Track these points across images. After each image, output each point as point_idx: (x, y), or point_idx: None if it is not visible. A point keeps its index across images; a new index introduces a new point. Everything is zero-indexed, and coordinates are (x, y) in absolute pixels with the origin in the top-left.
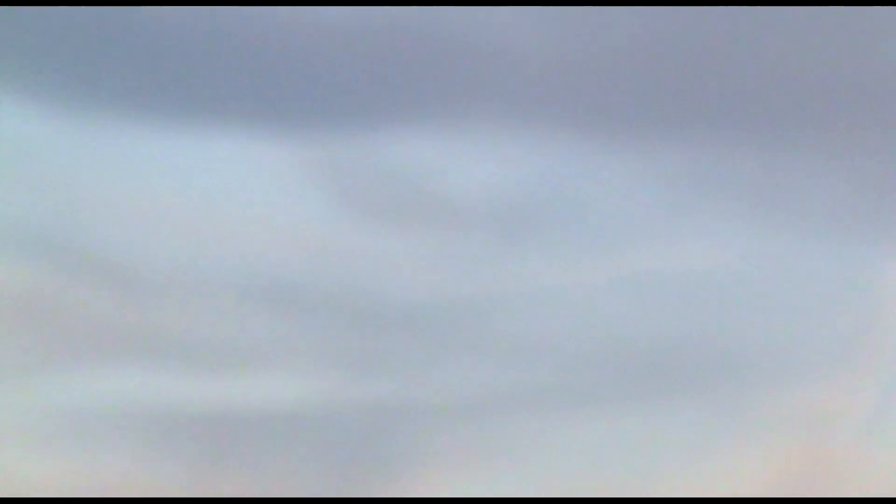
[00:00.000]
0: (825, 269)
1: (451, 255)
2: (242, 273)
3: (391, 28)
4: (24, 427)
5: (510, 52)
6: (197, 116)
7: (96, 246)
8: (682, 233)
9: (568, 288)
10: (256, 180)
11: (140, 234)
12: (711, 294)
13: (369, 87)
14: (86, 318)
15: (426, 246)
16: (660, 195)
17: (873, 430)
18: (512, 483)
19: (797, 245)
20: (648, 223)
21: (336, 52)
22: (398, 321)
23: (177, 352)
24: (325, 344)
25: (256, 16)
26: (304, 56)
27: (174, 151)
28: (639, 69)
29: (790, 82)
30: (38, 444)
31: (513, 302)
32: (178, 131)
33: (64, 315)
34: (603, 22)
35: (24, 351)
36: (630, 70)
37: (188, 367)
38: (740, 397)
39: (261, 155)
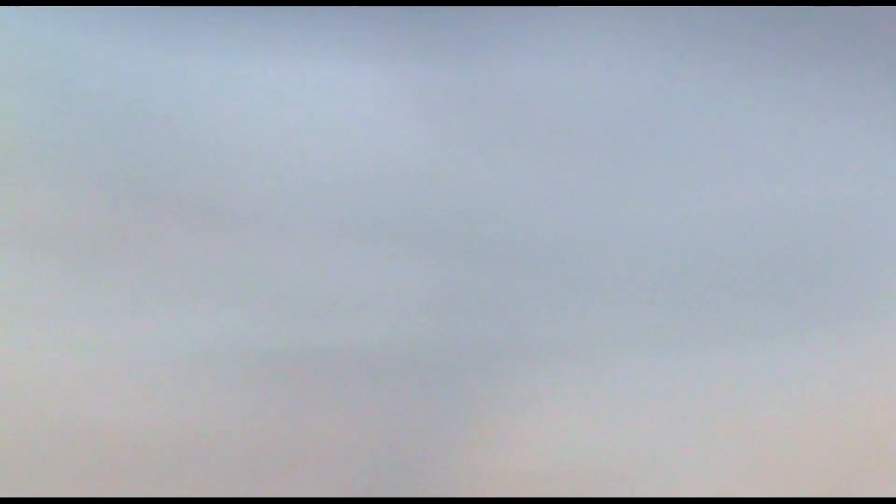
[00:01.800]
0: None
1: (561, 187)
2: (340, 208)
3: None
4: (113, 372)
5: None
6: (292, 40)
7: (186, 181)
8: (804, 161)
9: (684, 220)
10: (355, 109)
11: (231, 167)
12: (834, 226)
13: (472, 11)
14: (175, 258)
15: (535, 178)
16: (780, 121)
17: None
18: (620, 427)
19: None
20: (768, 150)
21: None
22: (504, 257)
23: (271, 291)
24: (428, 282)
25: None
26: None
27: (267, 77)
28: None
29: None
30: (128, 389)
31: (626, 236)
32: (271, 55)
33: (152, 254)
34: None
35: (111, 293)
36: None
37: (283, 307)
38: (873, 334)
39: (361, 81)
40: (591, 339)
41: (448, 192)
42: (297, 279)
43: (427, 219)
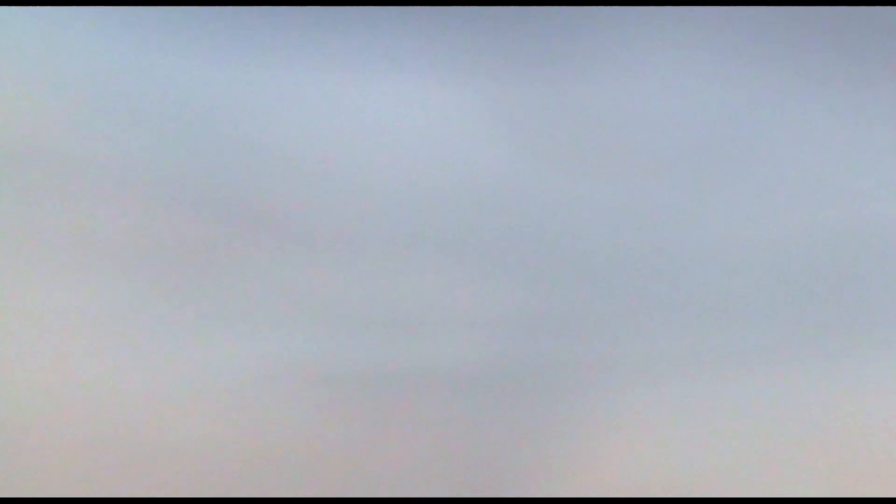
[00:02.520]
0: None
1: (640, 204)
2: (417, 226)
3: None
4: (186, 392)
5: None
6: (370, 56)
7: (263, 199)
8: (892, 179)
9: (766, 239)
10: (433, 125)
11: (308, 184)
12: None
13: (551, 25)
14: (253, 276)
15: (613, 194)
16: (868, 139)
17: None
18: (703, 448)
19: None
20: (855, 169)
21: None
22: (583, 275)
23: (346, 311)
24: (506, 300)
25: None
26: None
27: (346, 95)
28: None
29: None
30: (200, 409)
31: (706, 254)
32: (350, 73)
33: (230, 273)
34: None
35: (188, 311)
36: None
37: (357, 326)
38: None
39: (439, 97)
40: (676, 355)
41: (528, 208)
42: (374, 298)
43: (507, 236)
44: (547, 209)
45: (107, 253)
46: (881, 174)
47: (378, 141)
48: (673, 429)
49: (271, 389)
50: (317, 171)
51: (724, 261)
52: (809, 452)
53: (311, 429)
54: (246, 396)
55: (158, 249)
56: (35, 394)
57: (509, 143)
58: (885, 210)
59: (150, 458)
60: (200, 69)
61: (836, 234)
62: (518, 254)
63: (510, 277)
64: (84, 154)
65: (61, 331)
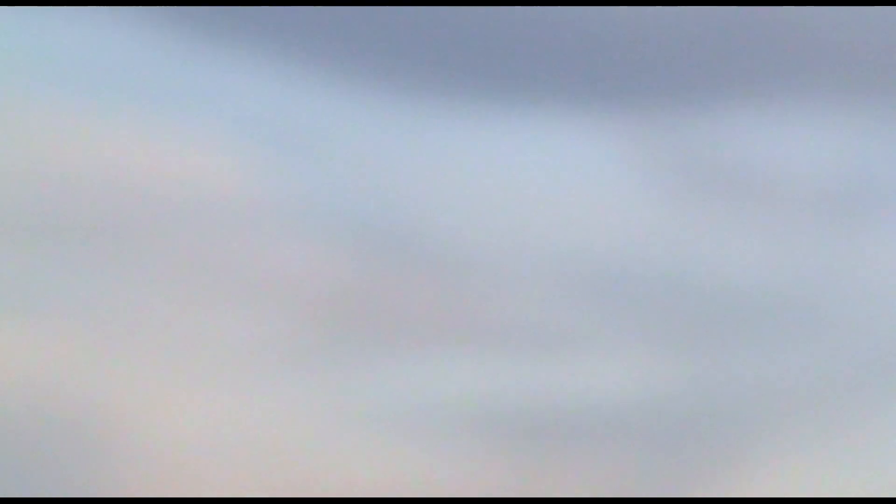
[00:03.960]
0: None
1: (778, 237)
2: (563, 258)
3: (708, 9)
4: (345, 424)
5: (841, 28)
6: (513, 102)
7: (416, 232)
8: None
9: None
10: (575, 164)
11: (461, 219)
12: None
13: (686, 67)
14: (405, 307)
15: (751, 229)
16: None
17: None
18: (856, 476)
19: None
20: None
21: (653, 32)
22: (723, 307)
23: (497, 341)
24: (650, 330)
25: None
26: (621, 40)
27: (494, 136)
28: None
29: None
30: (359, 441)
31: (845, 287)
32: (497, 116)
33: (383, 304)
34: None
35: (344, 343)
36: None
37: (508, 356)
38: None
39: (584, 139)
40: (814, 386)
41: (666, 242)
42: (525, 328)
43: (647, 268)
44: (686, 243)
45: (280, 291)
46: None
47: (523, 181)
48: (817, 458)
49: (426, 423)
50: (469, 209)
51: (858, 293)
52: None
53: (464, 462)
54: (413, 429)
55: (330, 287)
56: (213, 425)
57: (647, 180)
58: None
59: (323, 492)
60: (370, 120)
61: None
62: (659, 288)
63: (651, 310)
64: (263, 197)
65: (244, 361)
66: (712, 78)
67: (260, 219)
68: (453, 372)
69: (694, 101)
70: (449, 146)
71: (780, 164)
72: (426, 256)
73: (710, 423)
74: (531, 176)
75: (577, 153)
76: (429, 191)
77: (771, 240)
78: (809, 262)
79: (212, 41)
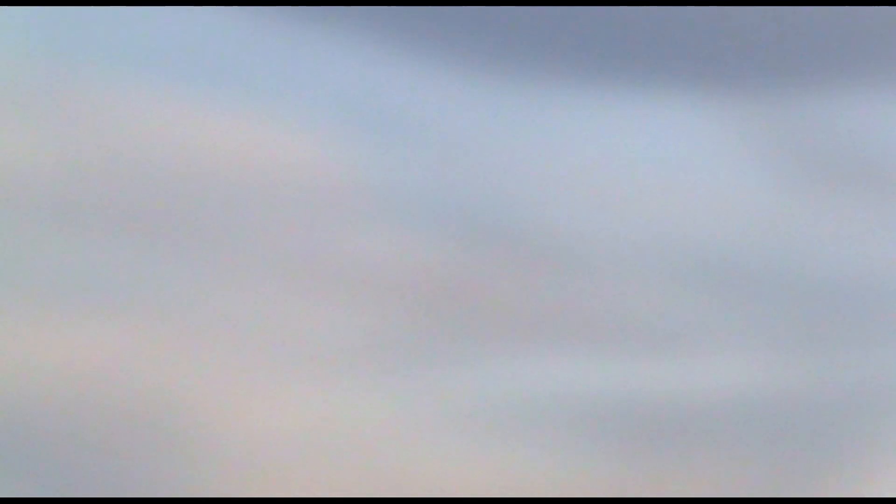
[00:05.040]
0: None
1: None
2: (676, 249)
3: None
4: (444, 423)
5: None
6: (626, 84)
7: (520, 221)
8: None
9: None
10: (690, 151)
11: (566, 208)
12: None
13: (804, 47)
14: (504, 300)
15: (871, 218)
16: None
17: None
18: None
19: None
20: None
21: (774, 16)
22: (841, 300)
23: (605, 336)
24: (768, 325)
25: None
26: (742, 22)
27: (602, 121)
28: None
29: None
30: (457, 439)
31: None
32: (605, 100)
33: (484, 297)
34: None
35: (437, 336)
36: None
37: (617, 352)
38: None
39: (695, 124)
40: None
41: (783, 232)
42: (633, 323)
43: (763, 259)
44: (804, 233)
45: (369, 281)
46: None
47: (634, 168)
48: None
49: (527, 420)
50: (575, 198)
51: None
52: None
53: (564, 462)
54: (517, 429)
55: (421, 278)
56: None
57: (765, 169)
58: None
59: (413, 492)
60: (460, 105)
61: None
62: (776, 279)
63: (766, 303)
64: (362, 185)
65: (336, 357)
66: (832, 60)
67: (358, 208)
68: (558, 369)
69: (812, 83)
70: (554, 132)
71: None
72: (530, 247)
73: (829, 420)
74: (641, 163)
75: (690, 140)
76: (533, 178)
77: (891, 230)
78: None
79: (307, 25)
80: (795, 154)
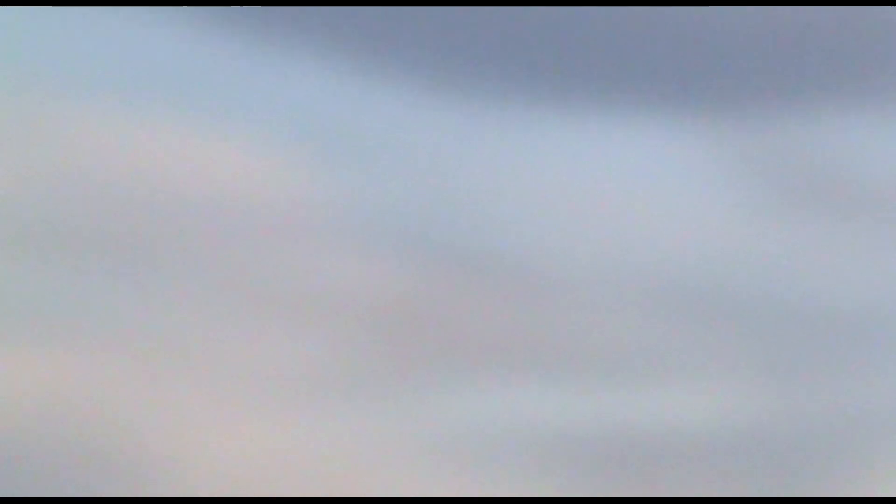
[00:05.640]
0: None
1: (881, 252)
2: (647, 275)
3: (803, 16)
4: (405, 449)
5: None
6: (597, 105)
7: (485, 245)
8: None
9: None
10: (663, 173)
11: (535, 233)
12: None
13: (785, 67)
14: (470, 326)
15: (853, 243)
16: None
17: None
18: None
19: None
20: None
21: (749, 38)
22: (824, 326)
23: (574, 364)
24: (743, 352)
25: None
26: (715, 46)
27: (573, 143)
28: None
29: None
30: (421, 468)
31: None
32: (576, 121)
33: (449, 323)
34: None
35: (401, 363)
36: None
37: (587, 380)
38: None
39: (669, 147)
40: None
41: (763, 258)
42: (606, 350)
43: (743, 285)
44: (784, 259)
45: (338, 308)
46: None
47: (603, 191)
48: None
49: (491, 451)
50: (543, 220)
51: None
52: None
53: (543, 490)
54: (482, 459)
55: (394, 306)
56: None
57: (742, 193)
58: None
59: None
60: (414, 112)
61: None
62: (755, 306)
63: (745, 330)
64: (317, 207)
65: (293, 385)
66: (814, 80)
67: (312, 230)
68: (526, 398)
69: (794, 104)
70: (523, 154)
71: (888, 175)
72: (497, 272)
73: (807, 452)
74: (612, 186)
75: (663, 163)
76: (500, 202)
77: (875, 255)
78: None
79: (256, 39)
80: (770, 177)
